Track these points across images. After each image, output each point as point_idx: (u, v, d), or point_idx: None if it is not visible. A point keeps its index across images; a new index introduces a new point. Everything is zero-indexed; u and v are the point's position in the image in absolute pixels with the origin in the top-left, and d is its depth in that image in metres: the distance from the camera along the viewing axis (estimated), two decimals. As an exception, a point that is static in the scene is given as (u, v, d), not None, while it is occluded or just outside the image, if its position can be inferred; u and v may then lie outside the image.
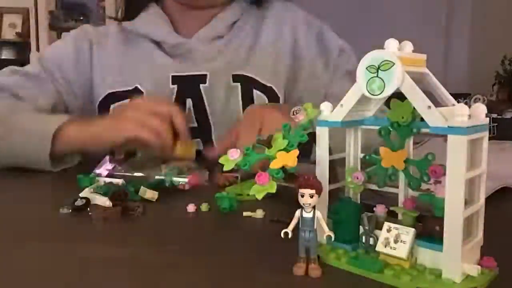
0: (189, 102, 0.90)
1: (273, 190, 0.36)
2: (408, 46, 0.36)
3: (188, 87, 0.90)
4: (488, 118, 0.34)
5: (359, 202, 0.41)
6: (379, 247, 0.36)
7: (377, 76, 0.34)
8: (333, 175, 0.41)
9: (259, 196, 0.36)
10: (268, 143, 0.39)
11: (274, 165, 0.37)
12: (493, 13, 2.69)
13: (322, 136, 0.39)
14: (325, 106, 0.39)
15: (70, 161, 0.78)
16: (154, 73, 0.92)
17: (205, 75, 0.91)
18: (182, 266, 0.38)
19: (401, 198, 0.39)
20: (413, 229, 0.35)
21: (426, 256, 0.35)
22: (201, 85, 0.90)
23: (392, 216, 0.39)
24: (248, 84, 0.91)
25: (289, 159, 0.37)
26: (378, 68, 0.34)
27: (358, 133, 0.42)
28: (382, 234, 0.36)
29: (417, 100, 0.33)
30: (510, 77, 1.92)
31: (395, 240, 0.35)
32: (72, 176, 0.64)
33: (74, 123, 0.75)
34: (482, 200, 0.35)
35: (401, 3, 2.84)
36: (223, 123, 0.87)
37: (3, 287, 0.34)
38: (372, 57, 0.34)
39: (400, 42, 0.36)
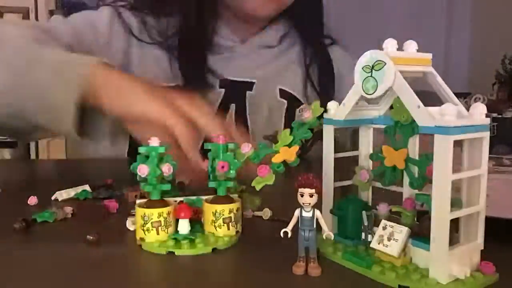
0: (232, 107, 0.91)
1: (271, 182, 0.38)
2: (412, 45, 0.36)
3: (233, 93, 0.92)
4: (488, 118, 0.33)
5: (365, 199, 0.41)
6: (373, 244, 0.36)
7: (371, 75, 0.35)
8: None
9: (258, 187, 0.39)
10: (275, 139, 0.41)
11: (276, 159, 0.39)
12: (493, 12, 2.65)
13: (327, 134, 0.40)
14: (332, 105, 0.40)
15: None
16: (201, 74, 0.91)
17: (253, 82, 0.93)
18: (181, 265, 0.38)
19: (405, 197, 0.39)
20: (406, 228, 0.35)
21: (421, 256, 0.35)
22: (247, 92, 0.92)
23: (399, 216, 0.39)
24: (293, 103, 0.94)
25: (289, 154, 0.39)
26: (372, 68, 0.35)
27: (369, 132, 0.42)
28: (378, 232, 0.36)
29: (408, 99, 0.33)
30: (511, 76, 1.78)
31: (388, 238, 0.36)
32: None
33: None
34: (482, 203, 0.34)
35: (401, 2, 2.86)
36: (261, 134, 0.83)
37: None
38: (366, 57, 0.35)
39: (403, 41, 0.36)
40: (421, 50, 0.36)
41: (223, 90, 0.92)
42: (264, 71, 0.94)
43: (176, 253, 0.39)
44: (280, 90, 0.95)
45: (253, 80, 0.93)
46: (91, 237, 0.41)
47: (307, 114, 0.40)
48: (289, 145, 0.39)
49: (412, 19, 2.75)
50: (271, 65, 0.96)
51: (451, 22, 2.90)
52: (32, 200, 0.55)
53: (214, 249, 0.40)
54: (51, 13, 2.99)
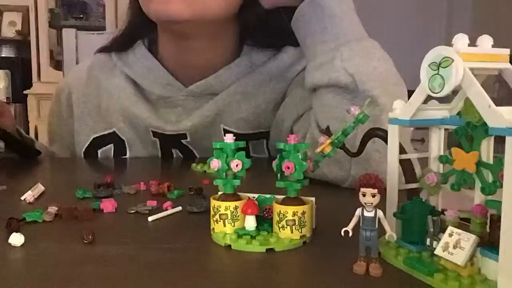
0: (175, 151, 0.89)
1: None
2: (486, 40, 0.34)
3: (170, 141, 0.88)
4: None
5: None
6: (438, 251, 0.34)
7: (437, 73, 0.33)
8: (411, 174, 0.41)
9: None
10: (329, 132, 0.43)
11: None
12: (494, 10, 2.53)
13: (392, 134, 0.39)
14: (397, 104, 0.39)
15: None
16: (134, 123, 0.88)
17: (185, 134, 0.86)
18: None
19: (476, 203, 0.36)
20: (474, 236, 0.33)
21: (490, 267, 0.32)
22: (182, 140, 0.88)
23: (469, 222, 0.37)
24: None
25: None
26: (439, 65, 0.33)
27: (440, 133, 0.40)
28: (444, 238, 0.34)
29: (477, 98, 0.31)
30: None
31: (454, 246, 0.34)
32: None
33: None
34: None
35: (403, 2, 2.80)
36: None
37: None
38: (433, 54, 0.33)
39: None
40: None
41: (157, 139, 0.88)
42: (197, 117, 0.85)
43: (232, 247, 0.40)
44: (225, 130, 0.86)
45: (184, 132, 0.86)
46: (90, 237, 0.41)
47: (356, 111, 0.40)
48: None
49: (413, 18, 2.78)
50: (208, 108, 0.85)
51: (452, 20, 2.86)
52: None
53: (270, 249, 0.39)
54: (51, 11, 2.94)
